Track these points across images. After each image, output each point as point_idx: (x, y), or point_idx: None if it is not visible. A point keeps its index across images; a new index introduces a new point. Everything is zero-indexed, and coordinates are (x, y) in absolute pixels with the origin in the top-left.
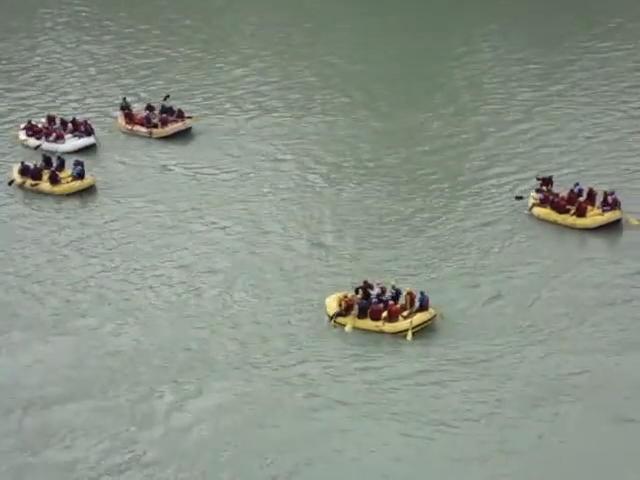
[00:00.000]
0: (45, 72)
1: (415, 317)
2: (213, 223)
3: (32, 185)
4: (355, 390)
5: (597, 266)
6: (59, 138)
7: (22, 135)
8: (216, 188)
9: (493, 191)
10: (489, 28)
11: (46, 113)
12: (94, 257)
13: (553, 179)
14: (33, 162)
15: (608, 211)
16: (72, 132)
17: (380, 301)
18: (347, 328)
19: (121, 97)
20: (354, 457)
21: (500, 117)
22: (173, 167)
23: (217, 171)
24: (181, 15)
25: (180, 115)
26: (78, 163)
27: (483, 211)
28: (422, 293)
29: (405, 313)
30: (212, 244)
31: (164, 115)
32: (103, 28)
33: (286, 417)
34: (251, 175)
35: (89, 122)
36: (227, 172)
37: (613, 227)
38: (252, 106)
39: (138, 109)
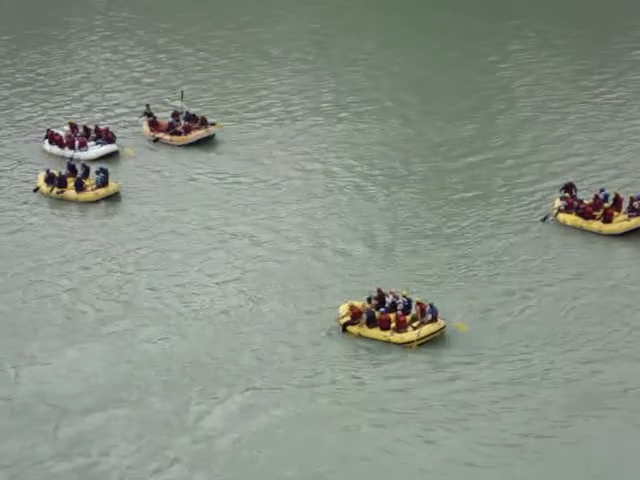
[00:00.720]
0: (79, 81)
1: (423, 329)
2: (239, 231)
3: (58, 193)
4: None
5: (627, 272)
6: (82, 146)
7: (45, 144)
8: (240, 195)
9: (523, 199)
10: (525, 36)
11: (68, 121)
12: (121, 264)
13: (576, 185)
14: (58, 170)
15: (635, 216)
16: (95, 139)
17: (390, 311)
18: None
19: (145, 105)
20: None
21: (534, 124)
22: (197, 174)
23: (242, 178)
24: (216, 23)
25: (203, 122)
26: (101, 170)
27: (510, 219)
28: (431, 305)
29: (415, 324)
30: (238, 252)
31: (187, 123)
32: (137, 37)
33: (315, 425)
34: (278, 183)
35: (110, 129)
36: (252, 179)
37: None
38: (281, 114)
39: (164, 116)
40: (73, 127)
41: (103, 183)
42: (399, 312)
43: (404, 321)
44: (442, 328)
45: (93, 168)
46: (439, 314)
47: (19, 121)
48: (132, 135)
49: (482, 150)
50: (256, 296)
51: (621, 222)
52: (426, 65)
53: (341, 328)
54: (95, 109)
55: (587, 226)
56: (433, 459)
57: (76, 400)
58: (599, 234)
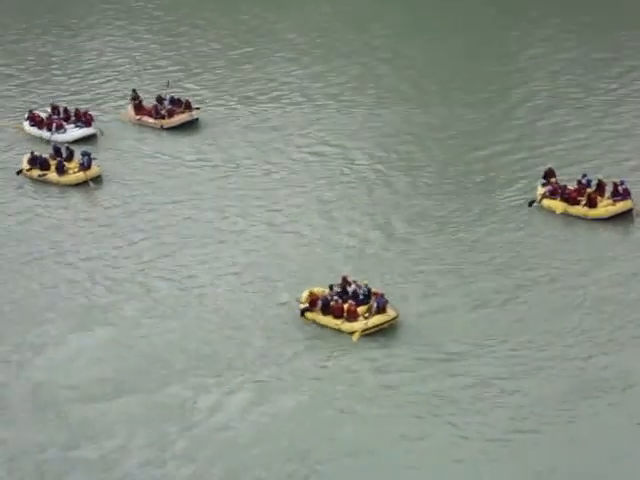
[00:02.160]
0: (93, 65)
1: (372, 319)
2: (225, 215)
3: (40, 175)
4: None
5: (617, 259)
6: (59, 128)
7: (26, 125)
8: (225, 179)
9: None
10: (545, 26)
11: (50, 102)
12: (106, 248)
13: (555, 171)
14: (41, 152)
15: (619, 201)
16: (74, 122)
17: (345, 299)
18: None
19: (132, 89)
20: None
21: (553, 113)
22: (180, 158)
23: (227, 162)
24: (228, 10)
25: (188, 106)
26: (85, 154)
27: (501, 207)
28: (382, 295)
29: (367, 314)
30: (223, 236)
31: (171, 106)
32: (153, 22)
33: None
34: (274, 169)
35: (90, 112)
36: (237, 163)
37: (624, 217)
38: (285, 99)
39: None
40: (54, 108)
41: (87, 166)
42: (351, 301)
43: (355, 311)
44: (392, 319)
45: (78, 151)
46: (389, 304)
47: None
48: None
49: (497, 140)
50: (247, 281)
51: (607, 207)
52: (443, 53)
53: (300, 313)
54: (87, 93)
55: (573, 211)
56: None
57: (85, 388)
58: (584, 219)
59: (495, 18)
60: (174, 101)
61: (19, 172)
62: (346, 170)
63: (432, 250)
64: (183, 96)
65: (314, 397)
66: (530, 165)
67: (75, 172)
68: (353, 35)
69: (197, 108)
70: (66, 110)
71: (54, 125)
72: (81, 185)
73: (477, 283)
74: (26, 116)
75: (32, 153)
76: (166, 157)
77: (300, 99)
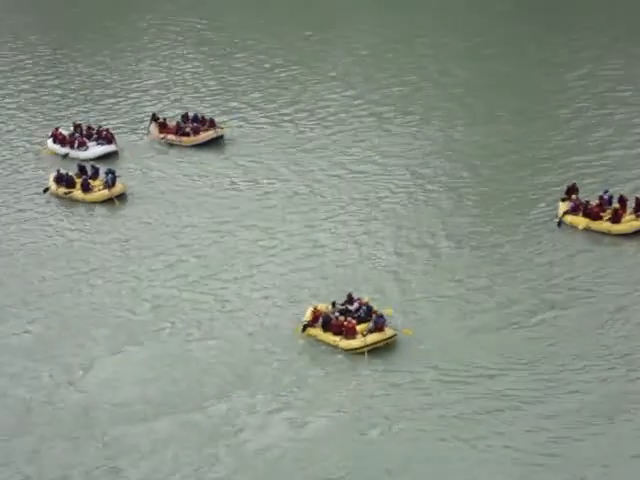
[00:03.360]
0: (123, 85)
1: (370, 337)
2: (264, 234)
3: (65, 193)
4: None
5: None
6: (81, 145)
7: (49, 143)
8: (244, 198)
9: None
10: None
11: (73, 121)
12: (139, 266)
13: (577, 187)
14: (67, 171)
15: None
16: (96, 140)
17: (347, 316)
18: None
19: (152, 112)
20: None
21: (593, 132)
22: (204, 175)
23: (248, 181)
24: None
25: (212, 124)
26: (110, 172)
27: (530, 225)
28: (381, 315)
29: (365, 332)
30: (261, 254)
31: (195, 124)
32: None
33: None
34: (287, 187)
35: (110, 130)
36: (254, 182)
37: None
38: (329, 118)
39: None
40: (77, 127)
41: (112, 184)
42: (350, 319)
43: (353, 328)
44: (389, 338)
45: (103, 169)
46: (388, 323)
47: (27, 120)
48: (140, 139)
49: (531, 156)
50: (274, 301)
51: (630, 222)
52: (488, 72)
53: (302, 329)
54: (113, 112)
55: (596, 227)
56: None
57: (124, 407)
58: (608, 234)
59: (542, 36)
60: (197, 119)
61: (45, 190)
62: (384, 188)
63: (459, 268)
64: (212, 114)
65: (342, 418)
66: (557, 182)
67: (100, 190)
68: (399, 54)
69: (221, 127)
70: (89, 128)
71: (76, 142)
72: (106, 202)
73: (504, 302)
74: (49, 134)
75: (58, 171)
76: (191, 175)
77: (343, 117)
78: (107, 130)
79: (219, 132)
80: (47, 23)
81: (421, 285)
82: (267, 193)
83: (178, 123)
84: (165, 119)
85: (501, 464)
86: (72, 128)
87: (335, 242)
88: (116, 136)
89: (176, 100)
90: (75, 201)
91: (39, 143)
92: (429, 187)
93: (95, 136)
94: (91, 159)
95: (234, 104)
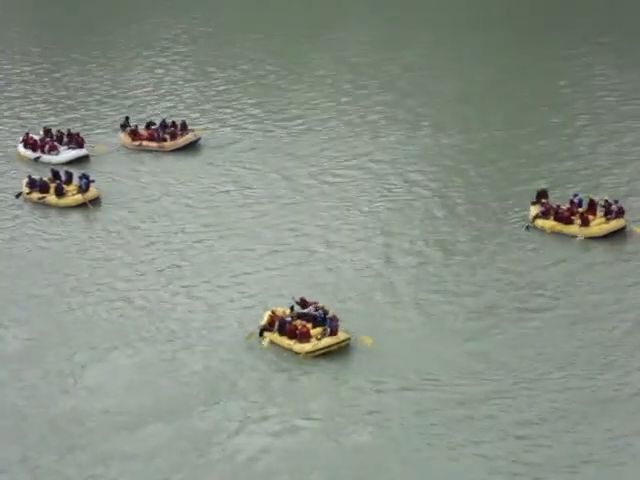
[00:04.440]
0: (100, 91)
1: (322, 341)
2: (224, 239)
3: (39, 198)
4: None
5: (609, 274)
6: (52, 150)
7: (20, 148)
8: (221, 202)
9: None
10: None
11: (43, 126)
12: (112, 270)
13: (547, 191)
14: (41, 176)
15: (613, 219)
16: (67, 144)
17: (306, 320)
18: (265, 342)
19: (124, 117)
20: None
21: (579, 137)
22: (178, 180)
23: (224, 184)
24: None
25: (184, 128)
26: (84, 176)
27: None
28: (331, 319)
29: (319, 335)
30: (226, 262)
31: (173, 128)
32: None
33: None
34: (266, 192)
35: (81, 135)
36: (234, 186)
37: (617, 235)
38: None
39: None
40: (47, 132)
41: (85, 189)
42: (303, 322)
43: (307, 332)
44: (342, 341)
45: (76, 174)
46: (340, 327)
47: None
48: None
49: (527, 160)
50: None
51: (600, 225)
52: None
53: (258, 333)
54: (85, 117)
55: (566, 230)
56: None
57: (116, 415)
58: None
59: (562, 43)
60: (166, 125)
61: (18, 195)
62: (369, 194)
63: (434, 275)
64: (192, 118)
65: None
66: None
67: (74, 194)
68: (389, 61)
69: (200, 130)
70: (59, 132)
71: (47, 147)
72: (80, 207)
73: (478, 308)
74: (21, 139)
75: (30, 177)
76: (165, 179)
77: (332, 122)
78: (78, 134)
79: (197, 135)
80: (35, 26)
81: (393, 291)
82: (245, 197)
83: (153, 129)
84: (137, 126)
85: (476, 471)
86: (42, 133)
87: (319, 248)
88: (87, 141)
89: (153, 106)
90: (48, 206)
91: (11, 146)
92: (414, 193)
93: (66, 140)
94: (62, 163)
95: (215, 109)
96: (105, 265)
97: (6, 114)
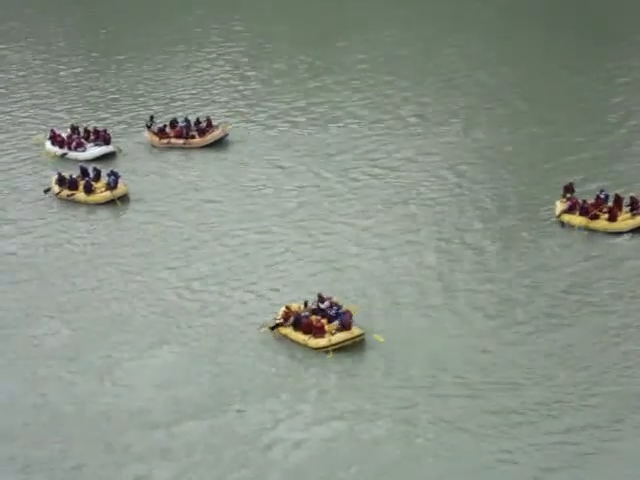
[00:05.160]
0: (128, 89)
1: (336, 336)
2: (252, 235)
3: (68, 195)
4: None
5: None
6: (79, 146)
7: (48, 145)
8: (247, 199)
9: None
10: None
11: (70, 123)
12: (143, 267)
13: (574, 186)
14: (70, 173)
15: (638, 214)
16: (93, 141)
17: (321, 316)
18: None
19: (150, 116)
20: None
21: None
22: (206, 176)
23: (252, 182)
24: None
25: (209, 124)
26: (112, 173)
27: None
28: (344, 313)
29: (333, 331)
30: (254, 258)
31: (201, 125)
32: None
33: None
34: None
35: (108, 131)
36: (260, 183)
37: None
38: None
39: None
40: (74, 129)
41: (114, 186)
42: (318, 317)
43: (321, 327)
44: (357, 337)
45: (104, 171)
46: (354, 323)
47: (24, 123)
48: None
49: (555, 156)
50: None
51: (626, 220)
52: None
53: (272, 328)
54: (113, 115)
55: (592, 225)
56: None
57: (150, 412)
58: (604, 232)
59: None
60: (189, 122)
61: (47, 190)
62: (396, 192)
63: (456, 273)
64: (219, 116)
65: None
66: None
67: (102, 191)
68: (420, 58)
69: (228, 125)
70: (86, 130)
71: (74, 143)
72: (108, 204)
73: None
74: (48, 135)
75: (60, 174)
76: (193, 176)
77: (352, 119)
78: (105, 131)
79: (226, 131)
80: (70, 25)
81: (421, 289)
82: (269, 195)
83: (181, 127)
84: (165, 125)
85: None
86: (69, 130)
87: (347, 245)
88: (114, 138)
89: (181, 104)
90: (77, 203)
91: (37, 144)
92: (445, 190)
93: (93, 137)
94: (89, 160)
95: (241, 106)
96: (136, 262)
97: (31, 111)
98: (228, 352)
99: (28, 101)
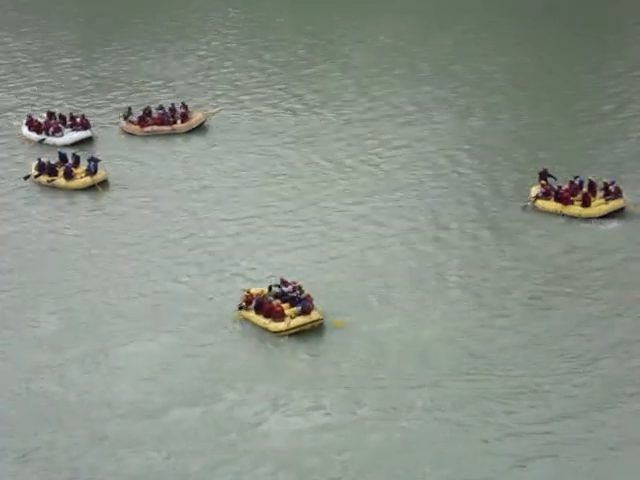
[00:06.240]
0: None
1: (294, 320)
2: (227, 219)
3: (48, 181)
4: None
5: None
6: (57, 131)
7: (24, 130)
8: (228, 183)
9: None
10: None
11: (46, 109)
12: (125, 253)
13: (549, 172)
14: (49, 159)
15: (612, 200)
16: (70, 126)
17: (283, 300)
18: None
19: (127, 107)
20: None
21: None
22: (185, 161)
23: (230, 167)
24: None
25: (186, 109)
26: (92, 159)
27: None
28: (304, 298)
29: (293, 315)
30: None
31: (183, 111)
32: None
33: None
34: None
35: (86, 117)
36: (247, 169)
37: (616, 215)
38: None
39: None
40: (50, 115)
41: (94, 171)
42: (278, 301)
43: (281, 311)
44: (315, 321)
45: (84, 157)
46: (314, 306)
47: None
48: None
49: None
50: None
51: (599, 206)
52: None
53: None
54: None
55: (566, 211)
56: None
57: (142, 401)
58: (578, 218)
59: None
60: (164, 108)
61: (27, 177)
62: (378, 181)
63: (432, 259)
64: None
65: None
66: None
67: (82, 177)
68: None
69: (213, 110)
70: (61, 116)
71: (52, 129)
72: (88, 189)
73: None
74: (24, 121)
75: (39, 159)
76: (173, 161)
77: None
78: (82, 116)
79: (209, 115)
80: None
81: (390, 278)
82: (249, 181)
83: (163, 114)
84: (145, 113)
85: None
86: (45, 115)
87: (323, 228)
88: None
89: (163, 93)
90: (57, 188)
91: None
92: (443, 177)
93: (70, 122)
94: (67, 145)
95: (225, 92)
96: (119, 248)
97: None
98: (209, 340)
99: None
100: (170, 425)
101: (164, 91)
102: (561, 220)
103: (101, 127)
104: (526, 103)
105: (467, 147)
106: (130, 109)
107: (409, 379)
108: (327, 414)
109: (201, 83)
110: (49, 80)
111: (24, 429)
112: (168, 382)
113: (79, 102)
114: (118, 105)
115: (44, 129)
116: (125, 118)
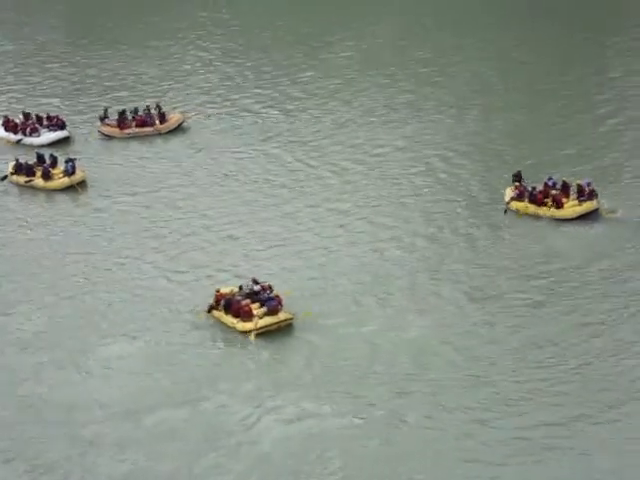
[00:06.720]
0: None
1: (262, 320)
2: (206, 217)
3: (26, 182)
4: None
5: (580, 254)
6: (34, 132)
7: (1, 131)
8: (209, 184)
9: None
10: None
11: (22, 110)
12: (104, 253)
13: (522, 174)
14: (26, 160)
15: (585, 201)
16: (47, 126)
17: (254, 300)
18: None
19: (104, 108)
20: None
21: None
22: (163, 162)
23: (209, 168)
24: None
25: (160, 109)
26: (69, 160)
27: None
28: (272, 298)
29: (262, 315)
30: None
31: (161, 112)
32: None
33: None
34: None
35: (61, 117)
36: (232, 169)
37: (589, 216)
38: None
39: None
40: (26, 115)
41: (72, 172)
42: (248, 301)
43: (249, 311)
44: (282, 321)
45: (61, 158)
46: (282, 307)
47: None
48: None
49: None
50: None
51: (573, 207)
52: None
53: (207, 311)
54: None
55: (540, 212)
56: None
57: (122, 403)
58: (551, 219)
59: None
60: (138, 112)
61: (4, 178)
62: (362, 183)
63: (407, 262)
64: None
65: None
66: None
67: (60, 177)
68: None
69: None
70: (37, 116)
71: (28, 129)
72: (67, 190)
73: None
74: (1, 122)
75: (17, 160)
76: (150, 161)
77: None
78: (58, 117)
79: (188, 116)
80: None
81: (373, 278)
82: (226, 181)
83: (143, 115)
84: (123, 116)
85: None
86: (21, 116)
87: (306, 235)
88: (70, 127)
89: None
90: (35, 189)
91: None
92: (414, 181)
93: (46, 122)
94: (45, 145)
95: (223, 94)
96: (98, 248)
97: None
98: (180, 341)
99: None
100: (152, 427)
101: (139, 93)
102: (540, 222)
103: (77, 128)
104: (523, 105)
105: (463, 149)
106: (106, 110)
107: (397, 382)
108: (311, 417)
109: (192, 86)
110: (25, 81)
111: (7, 431)
112: (144, 383)
113: (55, 104)
114: (96, 106)
115: (21, 129)
116: (102, 120)
